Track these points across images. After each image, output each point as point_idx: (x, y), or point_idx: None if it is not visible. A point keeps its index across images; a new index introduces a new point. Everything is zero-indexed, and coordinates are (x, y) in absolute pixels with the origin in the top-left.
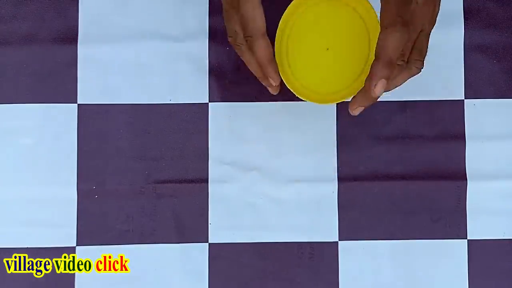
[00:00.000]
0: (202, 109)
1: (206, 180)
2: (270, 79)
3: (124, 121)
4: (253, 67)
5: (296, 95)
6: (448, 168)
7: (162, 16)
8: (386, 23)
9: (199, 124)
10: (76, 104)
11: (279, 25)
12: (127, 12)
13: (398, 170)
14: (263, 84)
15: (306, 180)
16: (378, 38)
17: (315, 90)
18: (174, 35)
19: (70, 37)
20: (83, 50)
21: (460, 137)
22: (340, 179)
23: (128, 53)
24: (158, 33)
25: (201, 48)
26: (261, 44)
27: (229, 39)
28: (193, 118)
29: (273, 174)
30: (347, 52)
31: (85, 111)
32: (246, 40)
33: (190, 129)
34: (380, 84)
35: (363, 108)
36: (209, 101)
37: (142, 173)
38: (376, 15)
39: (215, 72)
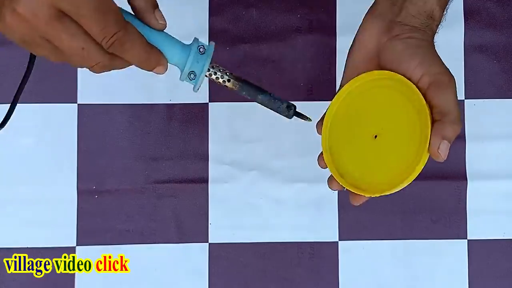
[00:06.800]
0: (202, 109)
1: (206, 180)
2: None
3: (124, 121)
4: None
5: (343, 185)
6: (448, 168)
7: None
8: (441, 83)
9: (199, 124)
10: (76, 104)
11: (326, 113)
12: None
13: None
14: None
15: (306, 180)
16: (438, 99)
17: (364, 180)
18: (174, 35)
19: None
20: None
21: (460, 137)
22: None
23: None
24: None
25: None
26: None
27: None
28: (193, 118)
29: (273, 174)
30: (398, 138)
31: (85, 111)
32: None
33: (190, 129)
34: (445, 145)
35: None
36: (209, 101)
37: (142, 173)
38: (422, 97)
39: None
